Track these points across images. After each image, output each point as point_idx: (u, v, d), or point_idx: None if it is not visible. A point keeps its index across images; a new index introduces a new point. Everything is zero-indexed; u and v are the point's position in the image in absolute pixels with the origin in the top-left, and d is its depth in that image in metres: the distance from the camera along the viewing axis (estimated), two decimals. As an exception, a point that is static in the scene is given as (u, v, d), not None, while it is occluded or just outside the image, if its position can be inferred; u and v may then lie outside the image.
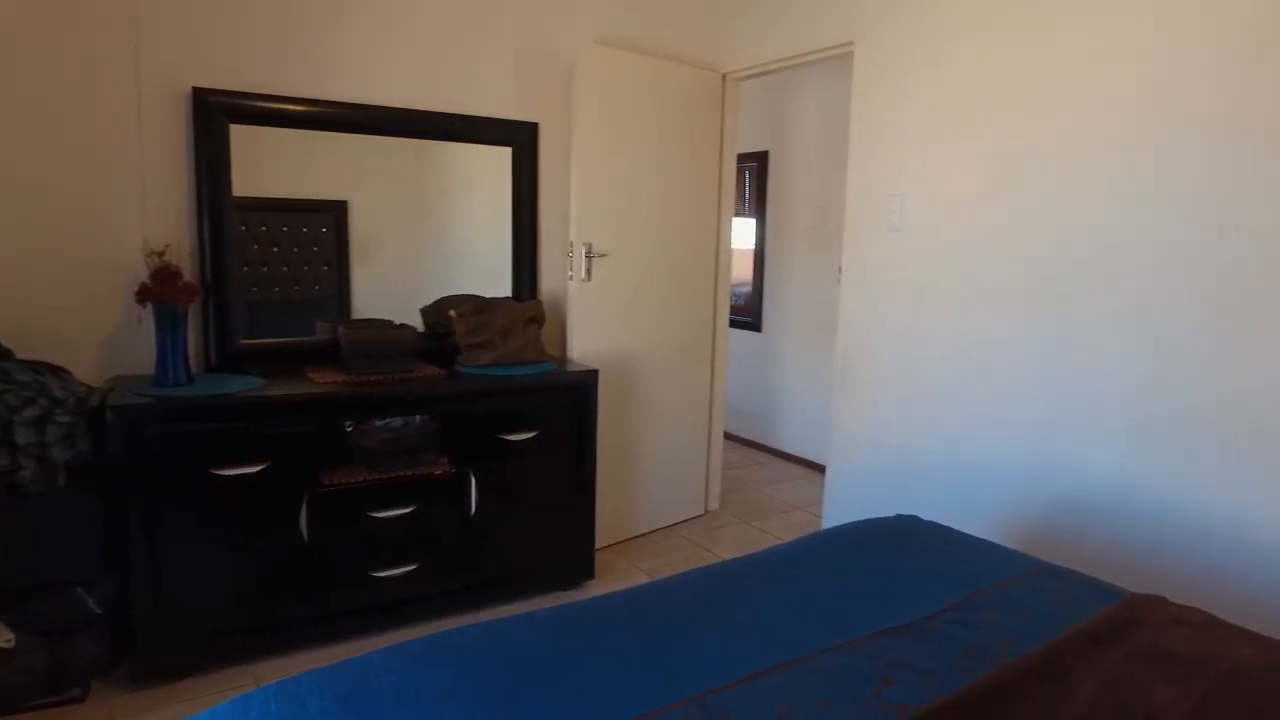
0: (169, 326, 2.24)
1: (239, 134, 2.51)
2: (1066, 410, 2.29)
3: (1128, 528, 2.15)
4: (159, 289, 2.22)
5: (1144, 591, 1.64)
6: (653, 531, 3.51)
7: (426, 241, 3.05)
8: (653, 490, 3.48)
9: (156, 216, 2.45)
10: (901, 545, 1.76)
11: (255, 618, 2.29)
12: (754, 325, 4.95)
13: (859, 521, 1.94)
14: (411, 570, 2.49)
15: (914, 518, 1.95)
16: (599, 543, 3.15)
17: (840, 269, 3.04)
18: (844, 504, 3.00)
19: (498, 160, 3.11)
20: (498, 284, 3.16)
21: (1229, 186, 1.92)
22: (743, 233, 4.94)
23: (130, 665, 2.15)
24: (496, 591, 2.70)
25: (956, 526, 2.04)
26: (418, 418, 2.51)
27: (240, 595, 2.26)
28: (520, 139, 3.10)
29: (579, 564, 2.92)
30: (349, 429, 2.39)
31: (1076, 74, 2.23)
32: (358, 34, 2.71)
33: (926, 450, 2.71)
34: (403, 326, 2.71)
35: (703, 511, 3.73)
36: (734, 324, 4.94)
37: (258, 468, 2.21)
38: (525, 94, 3.11)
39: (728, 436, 4.97)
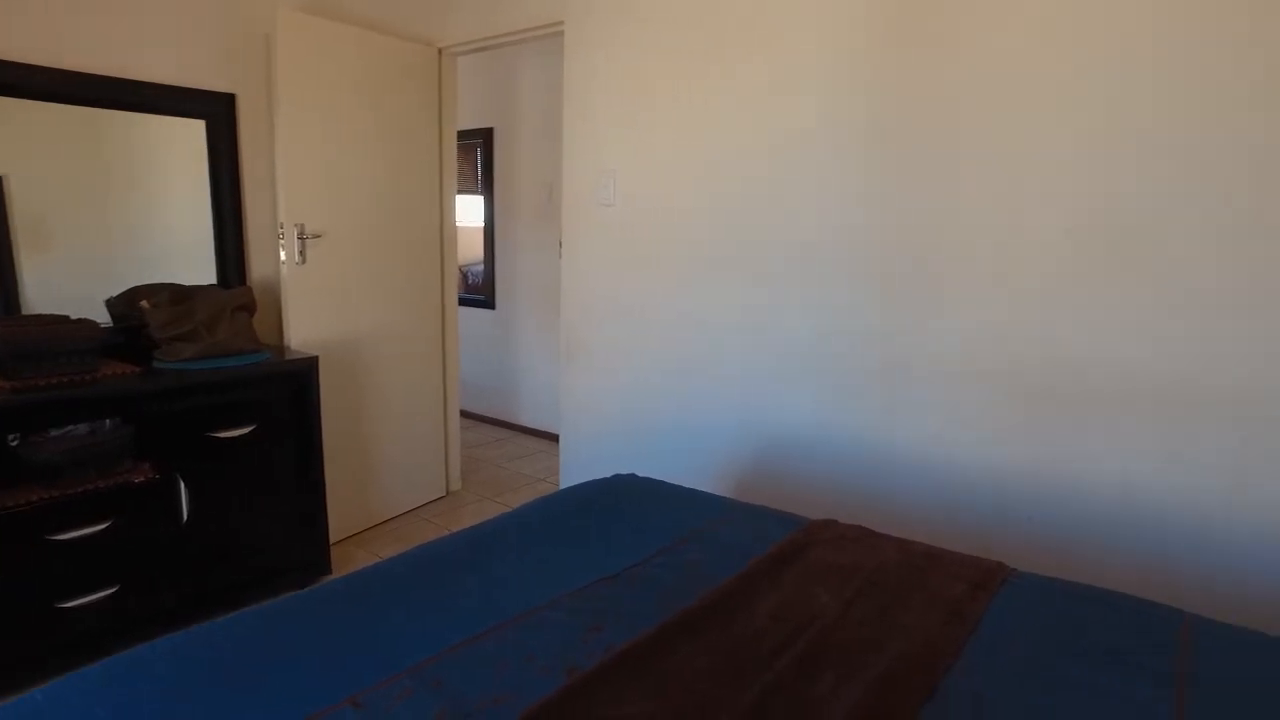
0: None
1: None
2: (766, 368, 2.58)
3: (819, 465, 2.48)
4: None
5: (828, 517, 1.92)
6: (394, 518, 3.44)
7: (114, 225, 2.71)
8: (390, 476, 3.40)
9: None
10: (618, 502, 1.90)
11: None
12: (487, 303, 4.97)
13: (578, 484, 2.06)
14: (112, 593, 2.24)
15: (631, 476, 2.10)
16: (335, 536, 3.04)
17: (561, 243, 3.16)
18: (579, 471, 3.14)
19: (192, 133, 2.83)
20: (200, 270, 2.90)
21: (889, 185, 2.26)
22: (472, 210, 4.92)
23: None
24: (221, 602, 2.50)
25: (681, 481, 2.23)
26: (108, 422, 2.25)
27: None
28: (215, 111, 2.84)
29: (313, 560, 2.80)
30: (13, 443, 2.09)
31: (769, 66, 2.47)
32: (-8, -18, 2.32)
33: (650, 412, 2.92)
34: (80, 321, 2.39)
35: (444, 493, 3.72)
36: (468, 302, 4.94)
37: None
38: (218, 62, 2.84)
39: (468, 416, 4.97)
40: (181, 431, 2.39)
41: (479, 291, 5.02)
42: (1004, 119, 2.03)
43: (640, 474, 2.21)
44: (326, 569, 2.83)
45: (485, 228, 4.92)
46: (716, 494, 2.16)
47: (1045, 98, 1.97)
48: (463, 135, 4.66)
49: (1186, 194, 1.80)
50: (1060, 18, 1.93)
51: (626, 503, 1.91)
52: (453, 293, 3.67)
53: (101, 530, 2.19)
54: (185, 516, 2.38)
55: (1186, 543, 1.88)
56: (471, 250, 4.99)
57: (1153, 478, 1.91)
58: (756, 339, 2.59)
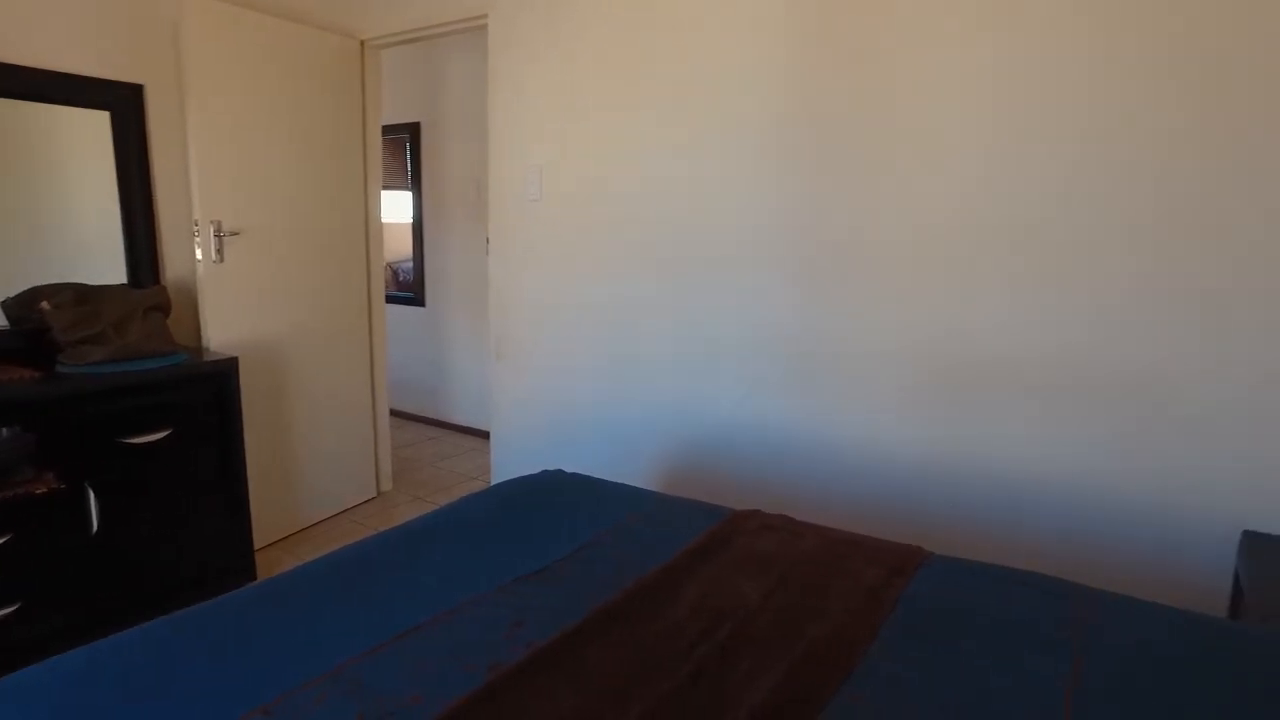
0: None
1: None
2: (694, 362, 2.60)
3: (748, 456, 2.52)
4: None
5: (753, 507, 1.95)
6: (323, 521, 3.36)
7: (8, 222, 2.57)
8: (318, 478, 3.32)
9: None
10: (544, 498, 1.89)
11: None
12: (418, 300, 4.88)
13: (504, 481, 2.05)
14: (13, 611, 2.12)
15: (559, 471, 2.10)
16: (261, 541, 2.96)
17: (488, 239, 3.13)
18: (511, 469, 3.11)
19: (96, 126, 2.71)
20: (109, 270, 2.77)
21: (811, 180, 2.31)
22: (401, 206, 4.83)
23: None
24: (137, 616, 2.38)
25: (614, 477, 2.23)
26: (4, 430, 2.14)
27: None
28: (120, 102, 2.72)
29: (237, 567, 2.71)
30: (-97, 454, 1.97)
31: (694, 60, 2.49)
32: None
33: (581, 408, 2.92)
34: (-29, 324, 2.28)
35: (375, 494, 3.65)
36: (398, 300, 4.85)
37: None
38: (123, 50, 2.72)
39: (400, 415, 4.89)
40: (90, 438, 2.29)
41: (409, 289, 4.93)
42: (919, 119, 2.10)
43: (572, 470, 2.21)
44: (251, 576, 2.75)
45: (414, 224, 4.84)
46: (645, 488, 2.17)
47: (958, 101, 2.04)
48: (389, 130, 4.58)
49: (1089, 193, 1.89)
50: (974, 25, 2.00)
51: (553, 498, 1.90)
52: (379, 290, 3.60)
53: (1, 545, 2.09)
54: (95, 527, 2.28)
55: (1088, 520, 1.97)
56: (401, 247, 4.90)
57: (1055, 460, 2.00)
58: (684, 333, 2.61)
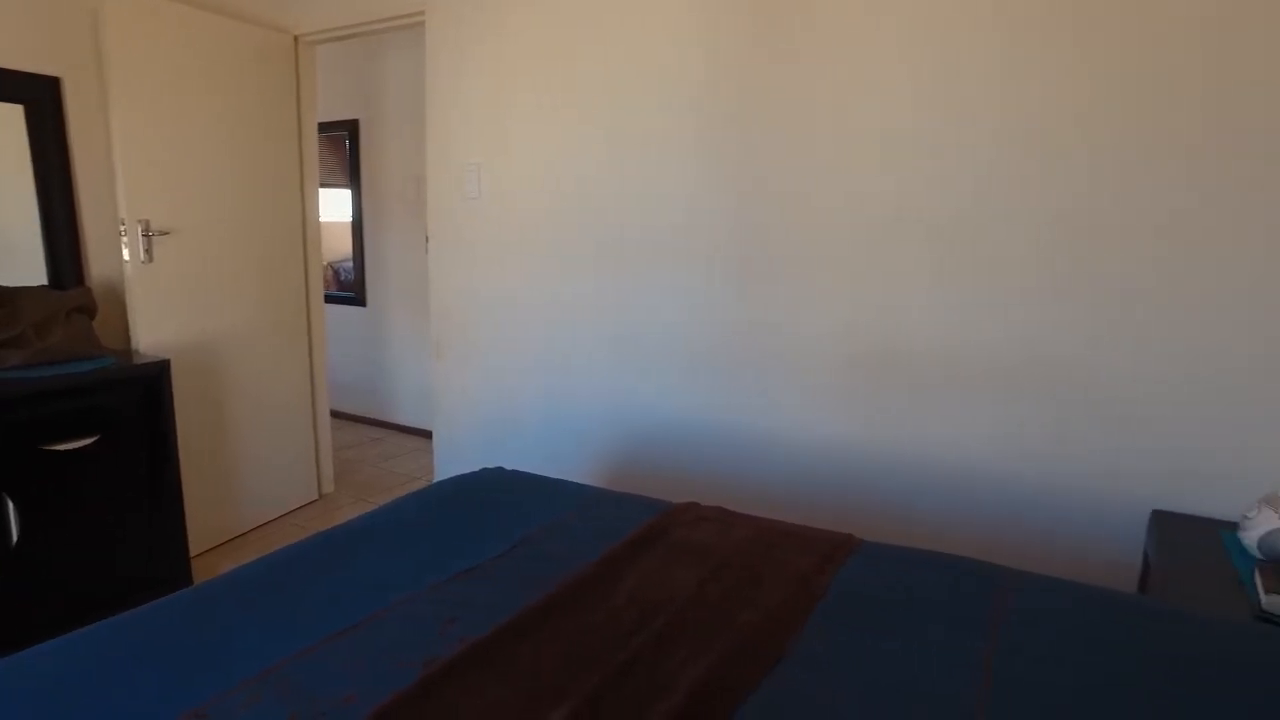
0: None
1: None
2: (635, 358, 2.63)
3: (689, 450, 2.55)
4: None
5: (693, 499, 1.97)
6: (262, 525, 3.30)
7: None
8: (257, 482, 3.26)
9: None
10: (483, 496, 1.90)
11: None
12: (358, 300, 4.81)
13: (443, 480, 2.05)
14: (-71, 625, 2.06)
15: (499, 469, 2.10)
16: (197, 548, 2.90)
17: (428, 238, 3.10)
18: (455, 468, 3.06)
19: (11, 120, 2.61)
20: (27, 271, 2.68)
21: (749, 177, 2.35)
22: (339, 205, 4.75)
23: None
24: (66, 628, 2.32)
25: (557, 473, 2.24)
26: (-82, 439, 2.06)
27: None
28: (35, 95, 2.62)
29: (171, 576, 2.65)
30: None
31: (632, 56, 2.51)
32: None
33: (524, 406, 2.92)
34: (-119, 329, 2.18)
35: (317, 496, 3.60)
36: (339, 300, 4.78)
37: None
38: (37, 40, 2.62)
39: (341, 416, 4.82)
40: (9, 446, 2.21)
41: (350, 288, 4.86)
42: (843, 118, 2.16)
43: (516, 468, 2.21)
44: (188, 582, 2.69)
45: (354, 223, 4.76)
46: (586, 483, 2.19)
47: (881, 101, 2.10)
48: (328, 127, 4.51)
49: (1006, 193, 1.97)
50: (896, 28, 2.06)
51: (491, 496, 1.90)
52: (318, 289, 3.54)
53: (-85, 557, 2.01)
54: (15, 538, 2.21)
55: (1011, 504, 2.05)
56: (341, 246, 4.82)
57: (980, 448, 2.08)
58: (624, 329, 2.64)
